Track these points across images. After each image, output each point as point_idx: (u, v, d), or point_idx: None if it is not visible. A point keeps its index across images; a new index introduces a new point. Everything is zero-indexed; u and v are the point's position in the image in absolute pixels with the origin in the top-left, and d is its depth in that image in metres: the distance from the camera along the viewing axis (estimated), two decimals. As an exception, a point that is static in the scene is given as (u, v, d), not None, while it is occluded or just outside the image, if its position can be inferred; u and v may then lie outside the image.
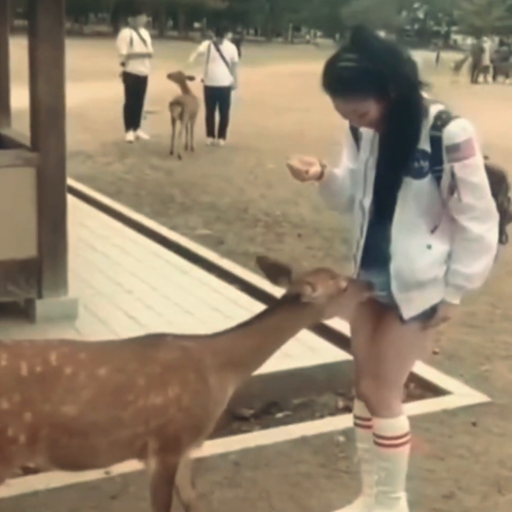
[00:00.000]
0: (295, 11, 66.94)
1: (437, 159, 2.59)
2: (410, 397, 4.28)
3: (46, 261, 4.74)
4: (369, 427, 2.96)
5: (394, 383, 2.86)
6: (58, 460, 2.42)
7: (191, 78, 12.36)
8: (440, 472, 3.49)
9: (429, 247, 2.67)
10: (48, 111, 4.61)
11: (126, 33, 12.61)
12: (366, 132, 2.76)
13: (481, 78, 31.95)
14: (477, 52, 32.31)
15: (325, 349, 4.59)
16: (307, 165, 2.69)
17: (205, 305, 5.23)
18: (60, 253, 4.78)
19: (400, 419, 2.88)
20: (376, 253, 2.75)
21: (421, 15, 78.19)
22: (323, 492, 3.35)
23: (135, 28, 12.58)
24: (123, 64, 12.65)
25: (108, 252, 6.33)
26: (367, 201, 2.75)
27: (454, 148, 2.55)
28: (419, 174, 2.61)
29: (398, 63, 2.57)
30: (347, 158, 2.87)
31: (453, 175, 2.57)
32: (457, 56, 36.14)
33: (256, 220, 8.12)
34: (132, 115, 12.90)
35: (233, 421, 3.93)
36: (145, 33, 12.82)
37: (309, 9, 66.51)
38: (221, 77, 12.93)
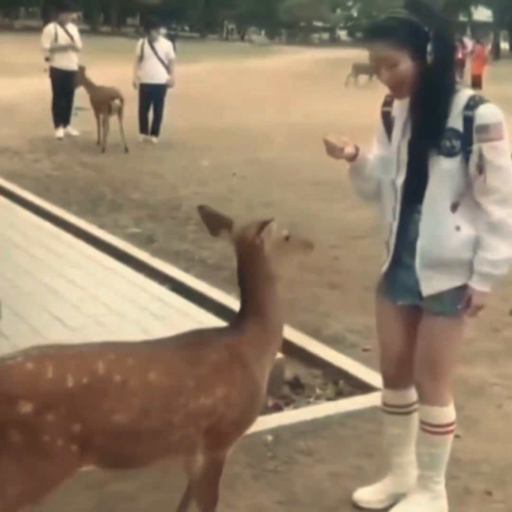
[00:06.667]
0: (230, 6, 66.68)
1: (469, 139, 2.65)
2: (339, 394, 4.29)
3: (-33, 262, 4.59)
4: (404, 413, 3.07)
5: (446, 373, 2.95)
6: (107, 464, 2.42)
7: (82, 68, 12.32)
8: (368, 470, 3.48)
9: (457, 228, 2.72)
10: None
11: (50, 27, 12.54)
12: (399, 116, 2.81)
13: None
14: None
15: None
16: (343, 143, 2.76)
17: (134, 305, 5.13)
18: (-18, 253, 4.64)
19: (450, 407, 2.97)
20: (409, 236, 2.80)
21: (355, 13, 78.87)
22: (251, 492, 3.31)
23: (62, 24, 12.43)
24: (47, 59, 12.50)
25: (34, 252, 6.17)
26: (400, 180, 2.79)
27: (484, 129, 2.63)
28: (450, 153, 2.68)
29: (441, 29, 2.64)
30: (378, 145, 2.93)
31: (481, 156, 2.63)
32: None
33: (188, 218, 7.99)
34: (61, 111, 12.69)
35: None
36: (72, 28, 12.68)
37: (244, 4, 66.34)
38: (157, 74, 12.80)
